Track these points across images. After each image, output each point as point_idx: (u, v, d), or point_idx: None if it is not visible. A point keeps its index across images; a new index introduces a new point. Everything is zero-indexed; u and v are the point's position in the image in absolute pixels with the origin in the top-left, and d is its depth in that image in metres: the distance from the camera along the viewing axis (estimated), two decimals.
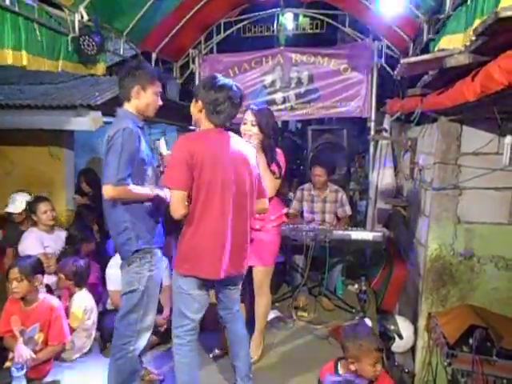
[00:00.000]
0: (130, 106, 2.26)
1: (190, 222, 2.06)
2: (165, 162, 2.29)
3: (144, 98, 2.24)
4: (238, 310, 2.43)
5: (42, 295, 2.80)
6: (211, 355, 2.96)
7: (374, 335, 2.24)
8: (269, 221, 2.75)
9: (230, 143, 2.13)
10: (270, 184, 2.61)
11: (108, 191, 2.04)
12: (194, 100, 2.15)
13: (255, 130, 2.63)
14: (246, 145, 2.29)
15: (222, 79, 2.13)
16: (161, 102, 2.33)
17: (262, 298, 2.88)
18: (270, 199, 2.57)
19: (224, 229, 2.08)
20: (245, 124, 2.66)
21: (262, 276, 2.81)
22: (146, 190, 2.20)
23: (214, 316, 2.46)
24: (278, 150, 2.80)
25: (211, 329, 2.83)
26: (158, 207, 2.30)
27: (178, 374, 2.22)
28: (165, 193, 2.22)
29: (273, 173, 2.69)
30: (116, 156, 2.05)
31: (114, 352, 2.30)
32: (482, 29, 1.61)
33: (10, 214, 3.70)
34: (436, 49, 2.47)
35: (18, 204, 3.66)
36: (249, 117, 2.64)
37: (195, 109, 2.14)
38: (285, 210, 2.94)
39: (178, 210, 1.99)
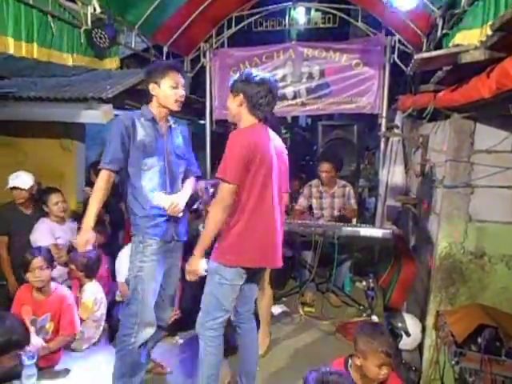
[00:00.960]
0: (151, 104, 2.34)
1: (240, 215, 2.09)
2: (172, 213, 2.26)
3: (160, 92, 2.29)
4: (253, 311, 2.44)
5: (54, 285, 2.85)
6: None
7: (388, 339, 2.13)
8: None
9: (273, 139, 2.20)
10: None
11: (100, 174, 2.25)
12: (231, 95, 2.17)
13: None
14: (280, 140, 2.34)
15: (261, 73, 2.16)
16: (182, 92, 2.32)
17: (264, 291, 2.89)
18: None
19: (274, 222, 2.16)
20: None
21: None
22: (91, 205, 2.22)
23: None
24: None
25: None
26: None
27: (206, 368, 2.19)
28: (85, 231, 2.19)
29: None
30: (107, 144, 2.25)
31: (118, 343, 2.36)
32: (498, 24, 1.58)
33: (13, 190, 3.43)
34: (450, 44, 2.44)
35: (25, 179, 3.46)
36: None
37: (234, 103, 2.15)
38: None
39: (226, 201, 2.03)
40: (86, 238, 2.18)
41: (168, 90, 2.28)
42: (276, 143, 2.23)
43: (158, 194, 2.26)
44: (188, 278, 2.18)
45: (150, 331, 2.33)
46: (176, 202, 2.25)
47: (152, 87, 2.28)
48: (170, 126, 2.41)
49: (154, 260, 2.28)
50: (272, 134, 2.25)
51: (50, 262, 2.79)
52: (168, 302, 2.53)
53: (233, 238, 2.11)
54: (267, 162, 2.08)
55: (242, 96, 2.11)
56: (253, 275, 2.25)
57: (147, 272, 2.27)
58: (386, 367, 2.00)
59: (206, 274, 2.16)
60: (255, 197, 2.07)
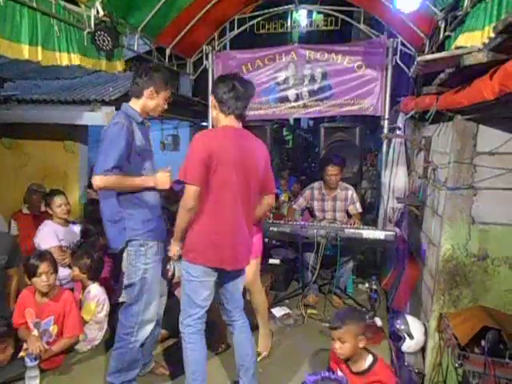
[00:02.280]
0: (136, 103, 2.32)
1: (199, 215, 2.13)
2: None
3: (155, 100, 2.31)
4: (243, 307, 2.45)
5: (57, 288, 2.85)
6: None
7: (340, 314, 2.30)
8: None
9: (243, 140, 2.20)
10: None
11: (95, 181, 2.15)
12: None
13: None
14: (257, 141, 2.31)
15: (229, 73, 2.23)
16: (166, 107, 2.39)
17: (255, 290, 2.89)
18: None
19: (233, 223, 2.17)
20: None
21: (254, 268, 2.82)
22: (137, 180, 2.24)
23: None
24: None
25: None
26: (155, 200, 2.34)
27: (189, 365, 2.23)
28: (153, 178, 2.28)
29: None
30: (104, 148, 2.16)
31: (117, 341, 2.38)
32: (501, 26, 1.58)
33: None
34: (453, 46, 2.44)
35: None
36: None
37: (212, 107, 2.22)
38: None
39: (189, 203, 2.07)
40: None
41: (161, 102, 2.33)
42: (252, 145, 2.23)
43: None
44: (172, 260, 2.31)
45: (149, 328, 2.38)
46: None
47: (150, 91, 2.28)
48: (148, 126, 2.45)
49: (156, 261, 2.34)
50: (248, 135, 2.25)
51: (55, 266, 2.80)
52: (164, 296, 2.60)
53: (193, 237, 2.16)
54: (228, 164, 2.09)
55: (212, 98, 2.19)
56: (227, 272, 2.25)
57: (152, 273, 2.31)
58: (336, 341, 2.19)
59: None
60: (213, 198, 2.11)
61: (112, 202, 2.25)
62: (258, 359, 2.86)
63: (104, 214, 2.30)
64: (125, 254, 2.33)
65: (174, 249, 2.26)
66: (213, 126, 2.32)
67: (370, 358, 2.24)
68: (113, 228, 2.28)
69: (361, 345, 2.19)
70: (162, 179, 2.28)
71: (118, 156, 2.13)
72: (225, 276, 2.26)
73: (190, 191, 2.05)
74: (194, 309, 2.21)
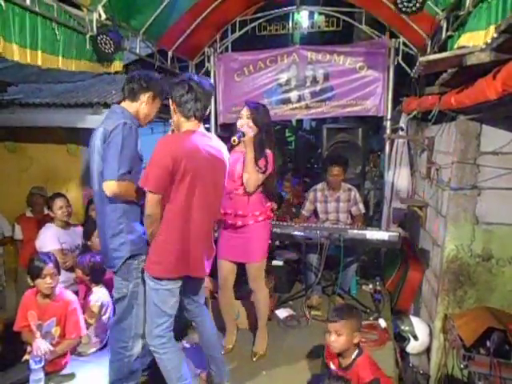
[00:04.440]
0: (130, 106, 2.21)
1: (165, 223, 2.06)
2: None
3: (149, 107, 2.24)
4: (204, 303, 2.46)
5: (58, 290, 2.85)
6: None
7: (339, 309, 2.37)
8: (253, 216, 2.75)
9: (207, 144, 2.13)
10: (252, 176, 2.64)
11: (110, 187, 2.00)
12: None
13: (250, 123, 2.66)
14: (219, 142, 2.28)
15: (185, 74, 2.18)
16: (153, 118, 2.34)
17: (260, 292, 2.89)
18: (253, 194, 2.69)
19: (199, 230, 2.14)
20: (240, 118, 2.69)
21: (254, 271, 2.83)
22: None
23: None
24: (268, 151, 2.77)
25: None
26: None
27: (171, 372, 2.18)
28: None
29: (259, 167, 2.68)
30: (117, 151, 2.01)
31: (112, 354, 2.34)
32: (504, 26, 1.57)
33: None
34: (455, 46, 2.42)
35: None
36: (244, 111, 2.69)
37: (172, 112, 2.14)
38: (269, 205, 2.92)
39: (150, 211, 2.00)
40: None
41: (154, 111, 2.29)
42: (216, 149, 2.18)
43: None
44: None
45: (142, 342, 2.33)
46: None
47: (148, 96, 2.21)
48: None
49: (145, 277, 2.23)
50: (211, 139, 2.19)
51: (59, 267, 2.81)
52: None
53: (158, 248, 2.09)
54: (194, 170, 2.02)
55: (170, 101, 2.11)
56: (188, 279, 2.21)
57: (141, 287, 2.24)
58: (330, 334, 2.24)
59: None
60: (180, 208, 2.04)
61: (116, 213, 2.12)
62: (255, 359, 2.90)
63: (103, 225, 2.17)
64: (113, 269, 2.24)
65: None
66: (172, 131, 2.24)
67: (355, 353, 2.27)
68: (112, 242, 2.14)
69: (355, 341, 2.24)
70: None
71: (131, 159, 2.07)
72: (188, 281, 2.22)
73: (150, 198, 1.97)
74: (162, 318, 2.14)
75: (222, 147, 2.26)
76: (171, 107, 2.14)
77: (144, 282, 2.20)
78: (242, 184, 2.68)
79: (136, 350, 2.31)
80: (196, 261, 2.16)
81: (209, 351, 2.45)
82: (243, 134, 2.57)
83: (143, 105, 2.22)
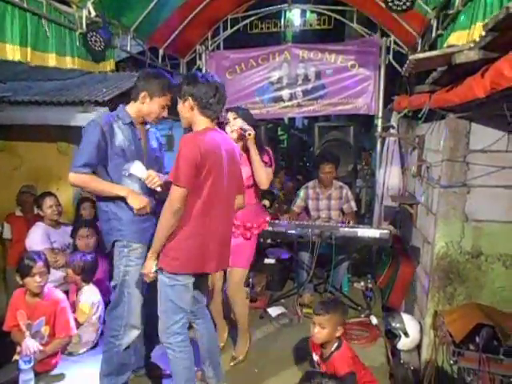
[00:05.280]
0: (132, 106, 2.31)
1: (185, 221, 2.06)
2: (149, 184, 2.24)
3: (148, 106, 2.28)
4: (206, 305, 2.47)
5: (46, 289, 2.83)
6: None
7: (325, 303, 2.43)
8: (252, 228, 2.81)
9: (224, 142, 2.18)
10: (263, 173, 2.70)
11: (69, 178, 2.17)
12: (180, 101, 2.14)
13: (239, 122, 2.67)
14: (232, 141, 2.34)
15: (204, 73, 2.19)
16: (165, 114, 2.35)
17: (238, 297, 2.89)
18: (257, 203, 2.78)
19: (220, 226, 2.17)
20: (228, 123, 2.70)
21: (240, 276, 2.84)
22: (107, 186, 2.20)
23: None
24: (266, 147, 2.84)
25: None
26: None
27: (180, 374, 2.18)
28: (127, 192, 2.21)
29: (265, 163, 2.73)
30: (80, 146, 2.18)
31: (104, 344, 2.38)
32: (492, 24, 1.58)
33: None
34: (445, 45, 2.45)
35: None
36: (229, 115, 2.72)
37: (185, 108, 2.12)
38: (268, 218, 2.99)
39: (176, 206, 2.00)
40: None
41: (156, 109, 2.29)
42: (231, 147, 2.23)
43: (137, 163, 2.22)
44: (145, 279, 2.17)
45: (135, 333, 2.34)
46: (154, 174, 2.23)
47: (144, 95, 2.25)
48: (147, 129, 2.42)
49: (139, 264, 2.25)
50: (226, 137, 2.26)
51: (48, 266, 2.79)
52: None
53: (174, 245, 2.08)
54: (217, 168, 2.08)
55: (190, 99, 2.09)
56: (199, 276, 2.24)
57: (133, 276, 2.26)
58: (315, 327, 2.33)
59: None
60: (203, 203, 2.06)
61: (102, 201, 2.26)
62: (233, 363, 2.88)
63: (98, 211, 2.38)
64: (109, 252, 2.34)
65: (151, 265, 2.10)
66: (188, 128, 2.23)
67: (334, 346, 2.34)
68: (104, 226, 2.32)
69: (337, 334, 2.33)
70: (133, 201, 2.20)
71: (89, 153, 2.13)
72: (198, 278, 2.23)
73: (179, 193, 1.99)
74: (178, 314, 2.14)
75: (234, 145, 2.31)
76: (185, 103, 2.11)
77: (138, 271, 2.23)
78: (250, 186, 2.72)
79: (126, 339, 2.31)
80: (212, 257, 2.17)
81: (208, 353, 2.43)
82: (246, 133, 2.60)
83: (142, 105, 2.28)
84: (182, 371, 2.18)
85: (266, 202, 4.88)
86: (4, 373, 2.58)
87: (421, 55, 2.33)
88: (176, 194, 1.99)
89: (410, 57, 2.43)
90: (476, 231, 2.71)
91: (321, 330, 2.31)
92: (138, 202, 2.21)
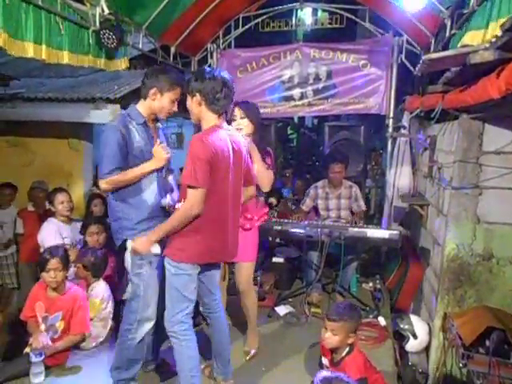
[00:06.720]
0: (143, 104, 2.35)
1: (200, 216, 2.10)
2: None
3: (159, 102, 2.31)
4: (220, 297, 2.47)
5: (68, 285, 2.87)
6: None
7: (340, 308, 2.36)
8: (254, 221, 2.82)
9: (232, 138, 2.20)
10: (265, 175, 2.71)
11: (101, 186, 2.28)
12: (189, 96, 2.16)
13: (245, 122, 2.69)
14: (240, 137, 2.35)
15: (211, 69, 2.19)
16: (176, 109, 2.38)
17: (249, 291, 2.89)
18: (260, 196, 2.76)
19: (228, 218, 2.21)
20: (234, 120, 2.71)
21: (248, 270, 2.84)
22: (136, 171, 2.27)
23: None
24: (268, 148, 2.84)
25: None
26: (154, 198, 2.34)
27: (185, 363, 2.20)
28: (151, 161, 2.29)
29: (267, 164, 2.73)
30: (102, 154, 2.24)
31: (119, 336, 2.42)
32: (509, 24, 1.57)
33: None
34: (459, 45, 2.41)
35: None
36: (236, 111, 2.71)
37: (193, 104, 2.15)
38: (266, 210, 2.99)
39: (197, 208, 2.03)
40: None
41: (167, 103, 2.32)
42: (238, 142, 2.25)
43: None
44: (131, 253, 2.24)
45: (148, 326, 2.38)
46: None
47: (154, 92, 2.29)
48: (158, 127, 2.46)
49: (152, 259, 2.32)
50: (234, 133, 2.27)
51: (66, 263, 2.81)
52: None
53: (181, 237, 2.11)
54: (225, 165, 2.11)
55: (198, 95, 2.11)
56: (209, 266, 2.27)
57: (147, 269, 2.32)
58: (326, 332, 2.28)
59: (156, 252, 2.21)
60: (212, 199, 2.09)
61: (113, 201, 2.33)
62: (248, 358, 2.89)
63: (108, 210, 2.44)
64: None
65: (148, 244, 2.14)
66: (198, 125, 2.26)
67: (345, 351, 2.30)
68: (114, 225, 2.39)
69: (349, 341, 2.28)
70: (158, 154, 2.30)
71: (115, 158, 2.20)
72: (205, 269, 2.27)
73: (200, 194, 2.01)
74: (183, 303, 2.17)
75: (241, 140, 2.32)
76: (193, 99, 2.13)
77: (152, 266, 2.30)
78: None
79: (139, 333, 2.35)
80: (221, 249, 2.22)
81: (219, 349, 2.46)
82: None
83: (153, 101, 2.32)
84: (186, 360, 2.21)
85: (273, 201, 4.89)
86: (15, 365, 2.62)
87: (435, 55, 2.31)
88: (196, 196, 2.01)
89: (424, 56, 2.41)
90: (488, 233, 2.68)
91: (332, 336, 2.26)
92: (162, 153, 2.31)
